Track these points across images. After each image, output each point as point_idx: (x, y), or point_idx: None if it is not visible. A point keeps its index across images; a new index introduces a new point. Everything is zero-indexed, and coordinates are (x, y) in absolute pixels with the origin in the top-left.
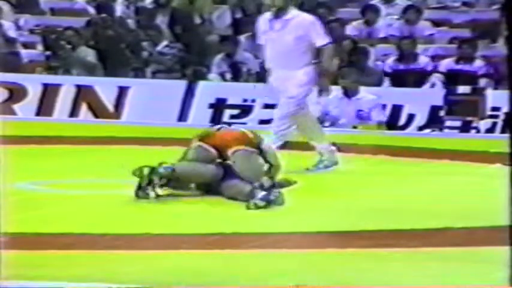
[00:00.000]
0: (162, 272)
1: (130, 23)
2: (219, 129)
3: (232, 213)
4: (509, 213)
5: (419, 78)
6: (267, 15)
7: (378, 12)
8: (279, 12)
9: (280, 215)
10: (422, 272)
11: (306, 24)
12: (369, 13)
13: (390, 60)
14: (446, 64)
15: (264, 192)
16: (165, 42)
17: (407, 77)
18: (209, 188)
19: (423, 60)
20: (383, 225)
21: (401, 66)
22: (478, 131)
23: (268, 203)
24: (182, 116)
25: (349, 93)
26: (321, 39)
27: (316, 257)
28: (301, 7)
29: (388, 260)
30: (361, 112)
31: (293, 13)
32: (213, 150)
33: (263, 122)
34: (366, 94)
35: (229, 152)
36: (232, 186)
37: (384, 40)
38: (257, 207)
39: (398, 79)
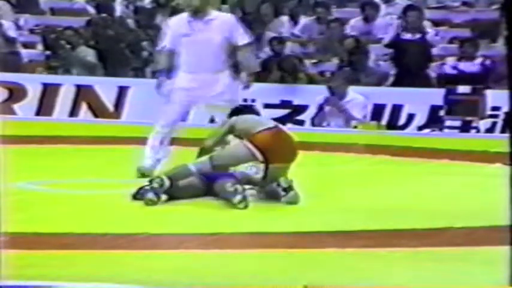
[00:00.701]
0: (162, 272)
1: (130, 22)
2: (270, 128)
3: (231, 213)
4: (509, 213)
5: (424, 50)
6: (184, 16)
7: (377, 8)
8: (199, 13)
9: (279, 214)
10: (423, 272)
11: (229, 23)
12: (368, 9)
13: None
14: (448, 63)
15: (229, 189)
16: None
17: (412, 47)
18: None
19: (429, 32)
20: (383, 225)
21: (407, 37)
22: (478, 131)
23: (242, 193)
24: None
25: (336, 96)
26: (242, 38)
27: (316, 256)
28: (299, 4)
29: (388, 260)
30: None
31: (214, 13)
32: (259, 156)
33: None
34: (355, 95)
35: (274, 164)
36: (220, 186)
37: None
38: (244, 203)
39: (404, 50)
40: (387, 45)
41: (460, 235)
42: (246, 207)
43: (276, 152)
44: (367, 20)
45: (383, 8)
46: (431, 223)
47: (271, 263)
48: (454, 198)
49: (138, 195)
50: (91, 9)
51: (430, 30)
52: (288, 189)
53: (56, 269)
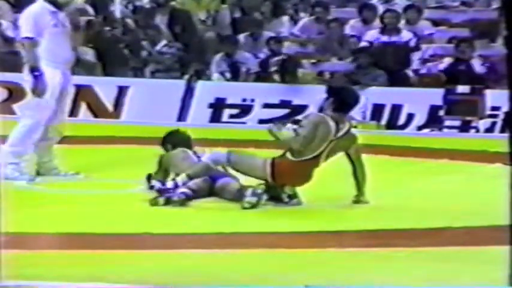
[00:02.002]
0: (162, 272)
1: (129, 22)
2: (297, 162)
3: (231, 213)
4: (509, 213)
5: (401, 52)
6: (45, 5)
7: (374, 10)
8: (60, 4)
9: (279, 214)
10: (423, 272)
11: None
12: (366, 12)
13: (372, 32)
14: (445, 64)
15: (251, 189)
16: (164, 42)
17: (389, 50)
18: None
19: (406, 35)
20: (383, 224)
21: (384, 39)
22: (478, 131)
23: (259, 198)
24: (181, 116)
25: None
26: None
27: (316, 256)
28: (299, 2)
29: (388, 260)
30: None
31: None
32: (270, 179)
33: (262, 121)
34: None
35: (288, 187)
36: (224, 186)
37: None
38: (251, 204)
39: (380, 51)
40: (367, 49)
41: (459, 235)
42: (252, 207)
43: (287, 180)
44: (366, 22)
45: (382, 8)
46: (431, 223)
47: (271, 262)
48: (454, 197)
49: (157, 191)
50: (90, 10)
51: (407, 32)
52: (292, 196)
53: (56, 269)
